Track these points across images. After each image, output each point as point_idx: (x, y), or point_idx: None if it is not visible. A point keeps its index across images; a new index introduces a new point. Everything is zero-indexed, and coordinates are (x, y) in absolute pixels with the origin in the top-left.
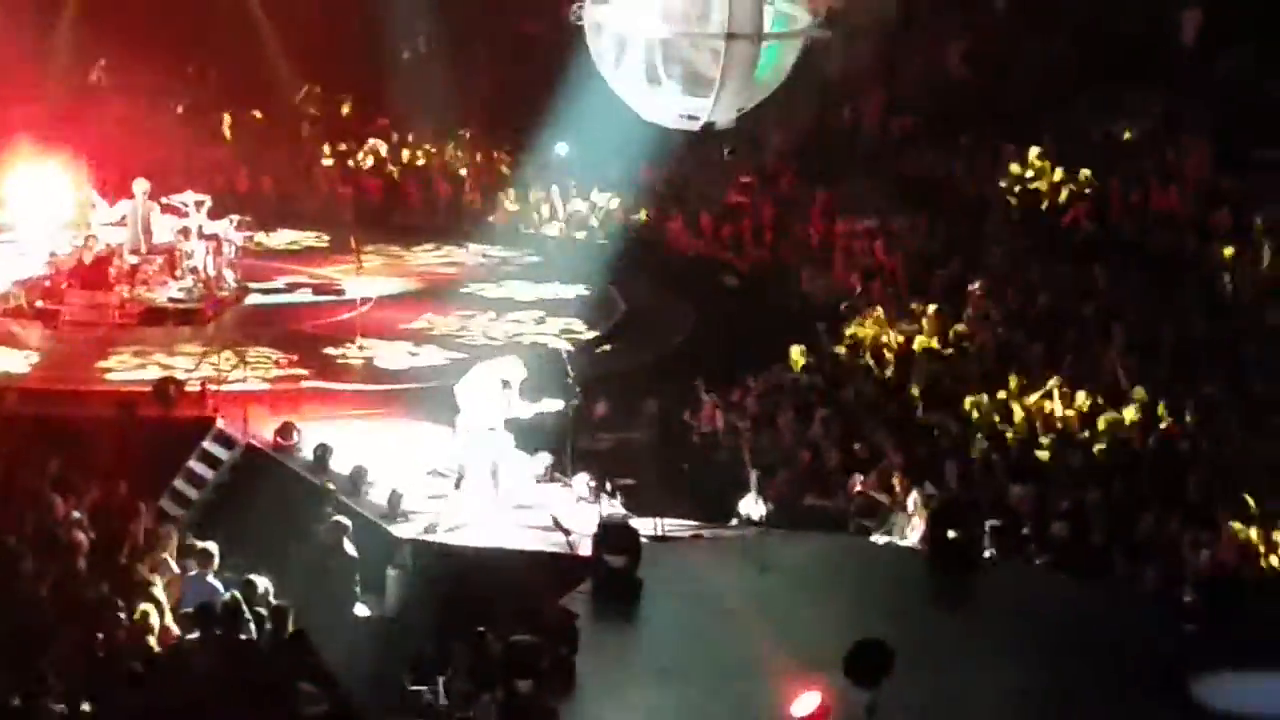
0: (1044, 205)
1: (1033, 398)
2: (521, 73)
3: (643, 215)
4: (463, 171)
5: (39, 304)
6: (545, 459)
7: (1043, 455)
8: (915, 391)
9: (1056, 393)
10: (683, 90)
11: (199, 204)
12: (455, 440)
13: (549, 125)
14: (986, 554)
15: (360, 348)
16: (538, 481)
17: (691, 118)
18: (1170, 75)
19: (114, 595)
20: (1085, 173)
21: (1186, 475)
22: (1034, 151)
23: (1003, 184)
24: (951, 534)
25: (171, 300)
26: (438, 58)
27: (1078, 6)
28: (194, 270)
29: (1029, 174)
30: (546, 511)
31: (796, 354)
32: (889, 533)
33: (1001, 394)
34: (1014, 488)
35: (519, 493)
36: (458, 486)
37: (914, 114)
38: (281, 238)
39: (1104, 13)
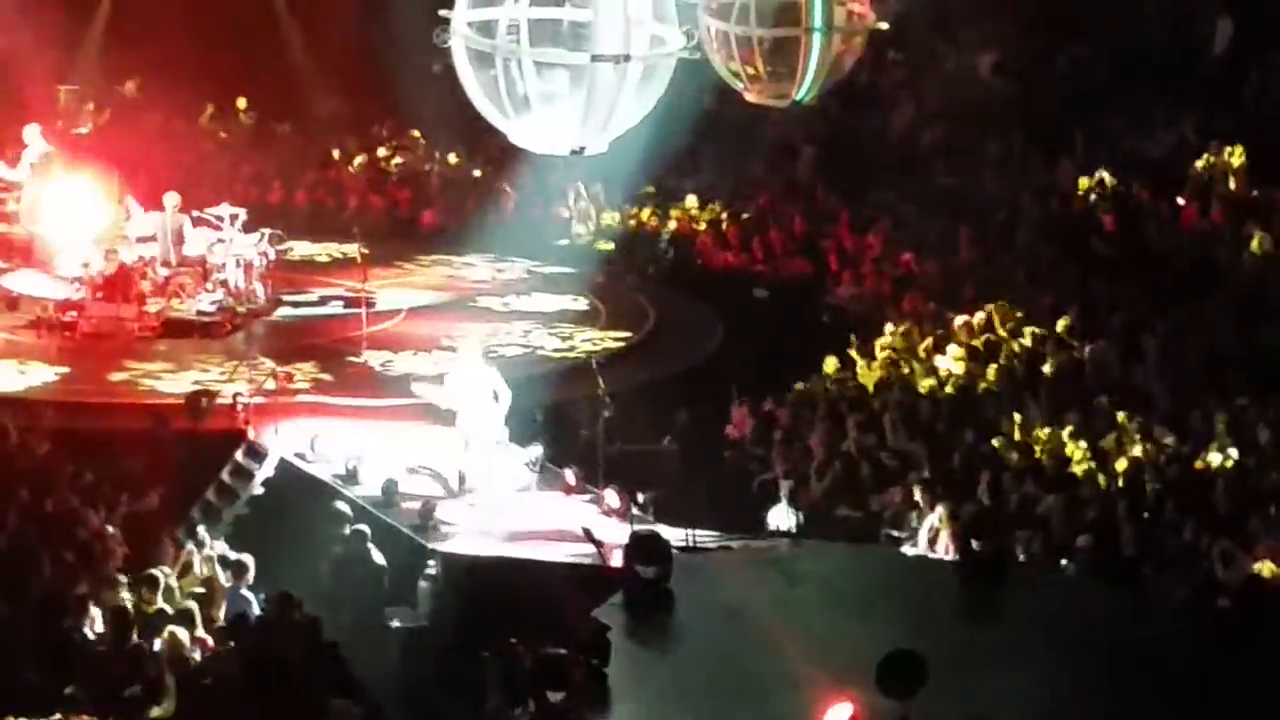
0: (1074, 216)
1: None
2: None
3: (672, 226)
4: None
5: (60, 316)
6: (536, 451)
7: (1076, 469)
8: (946, 402)
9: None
10: (548, 115)
11: (234, 217)
12: (460, 447)
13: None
14: (1018, 564)
15: (364, 360)
16: (538, 480)
17: (558, 142)
18: (1201, 86)
19: (145, 605)
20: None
21: (1215, 487)
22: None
23: (1033, 194)
24: (981, 545)
25: (200, 313)
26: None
27: (1108, 17)
28: (224, 283)
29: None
30: (575, 523)
31: (829, 365)
32: (916, 544)
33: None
34: (1044, 498)
35: (517, 498)
36: (459, 489)
37: (944, 124)
38: (314, 249)
39: (1135, 23)
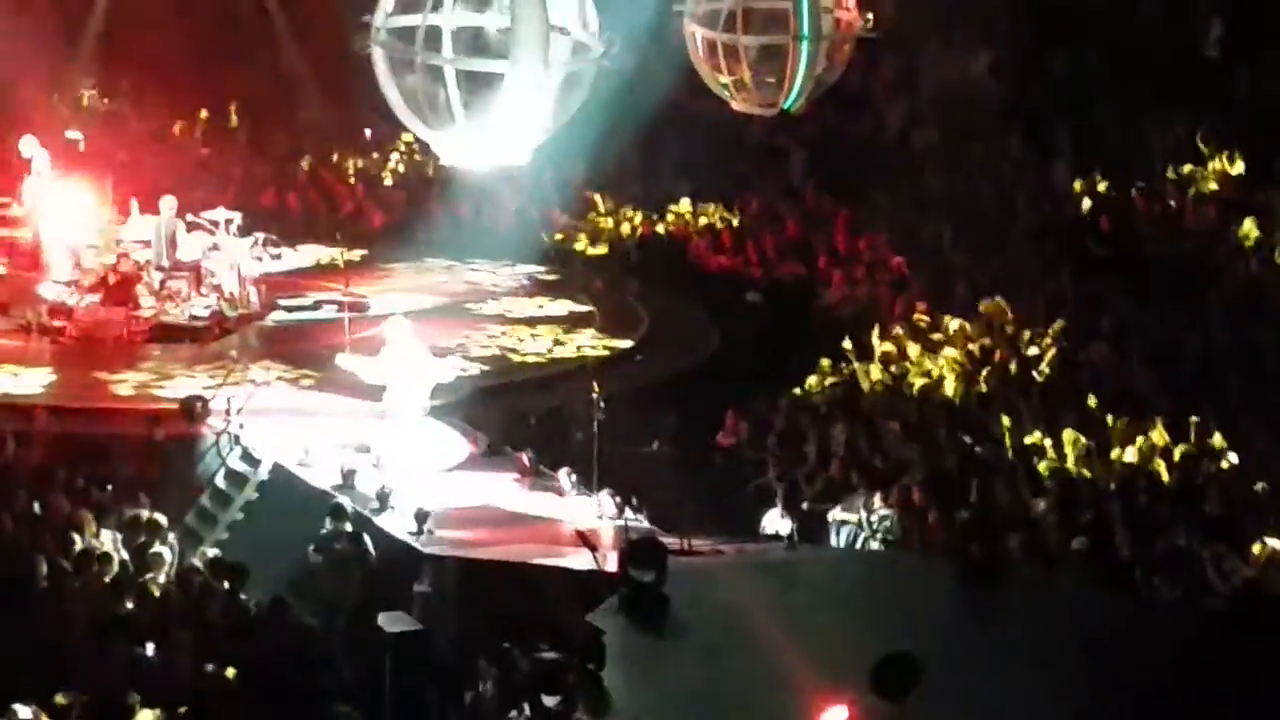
0: (1068, 217)
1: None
2: None
3: (666, 229)
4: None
5: (50, 320)
6: (482, 439)
7: (1071, 472)
8: (940, 405)
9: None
10: (469, 123)
11: (228, 221)
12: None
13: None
14: (1012, 567)
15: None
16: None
17: (476, 151)
18: (1194, 86)
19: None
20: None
21: (1209, 489)
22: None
23: (1027, 196)
24: (976, 548)
25: (193, 317)
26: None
27: (1101, 18)
28: (217, 288)
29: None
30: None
31: (822, 368)
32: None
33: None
34: (1037, 501)
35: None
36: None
37: (937, 126)
38: (308, 254)
39: (1128, 24)
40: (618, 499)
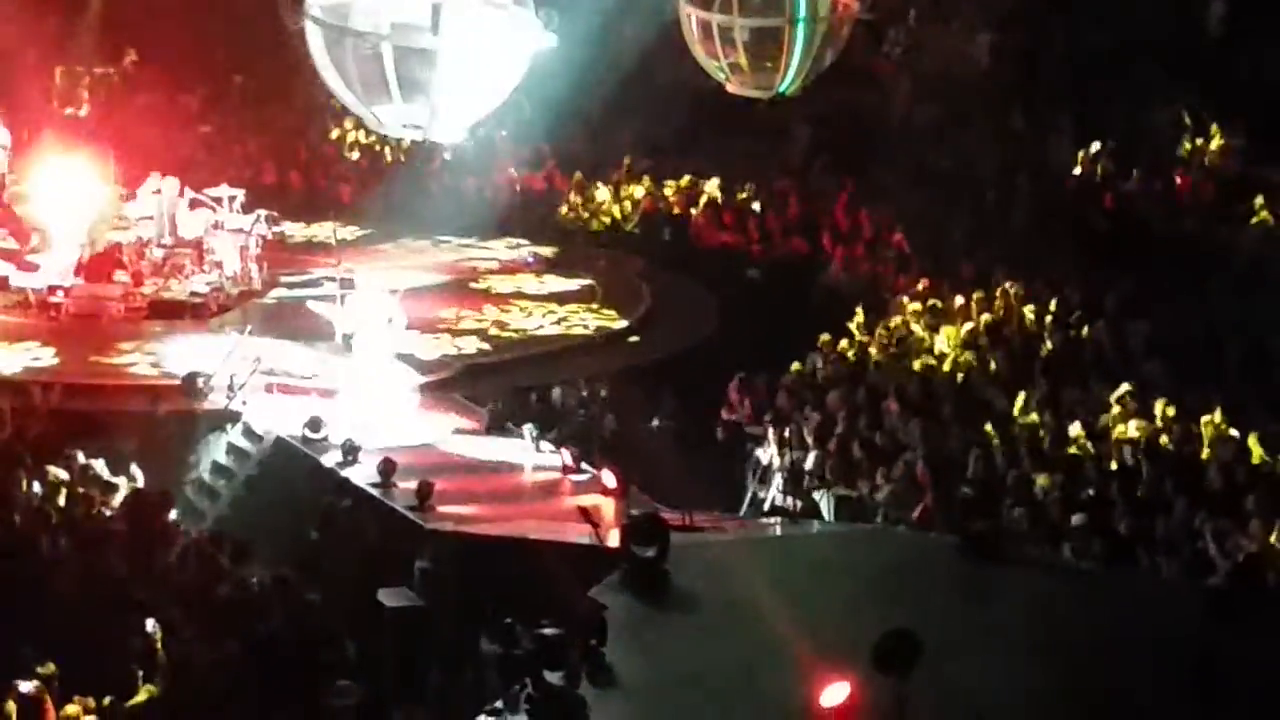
0: (1071, 195)
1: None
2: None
3: (667, 205)
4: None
5: (47, 297)
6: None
7: (1072, 448)
8: (941, 382)
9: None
10: (404, 99)
11: (231, 199)
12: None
13: (572, 117)
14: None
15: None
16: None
17: (415, 126)
18: (1197, 65)
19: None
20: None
21: (1210, 466)
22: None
23: (1030, 173)
24: (977, 524)
25: (193, 294)
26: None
27: None
28: (218, 264)
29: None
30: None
31: (823, 345)
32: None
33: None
34: (1038, 478)
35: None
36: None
37: (940, 103)
38: (309, 231)
39: (1131, 2)
40: (620, 475)
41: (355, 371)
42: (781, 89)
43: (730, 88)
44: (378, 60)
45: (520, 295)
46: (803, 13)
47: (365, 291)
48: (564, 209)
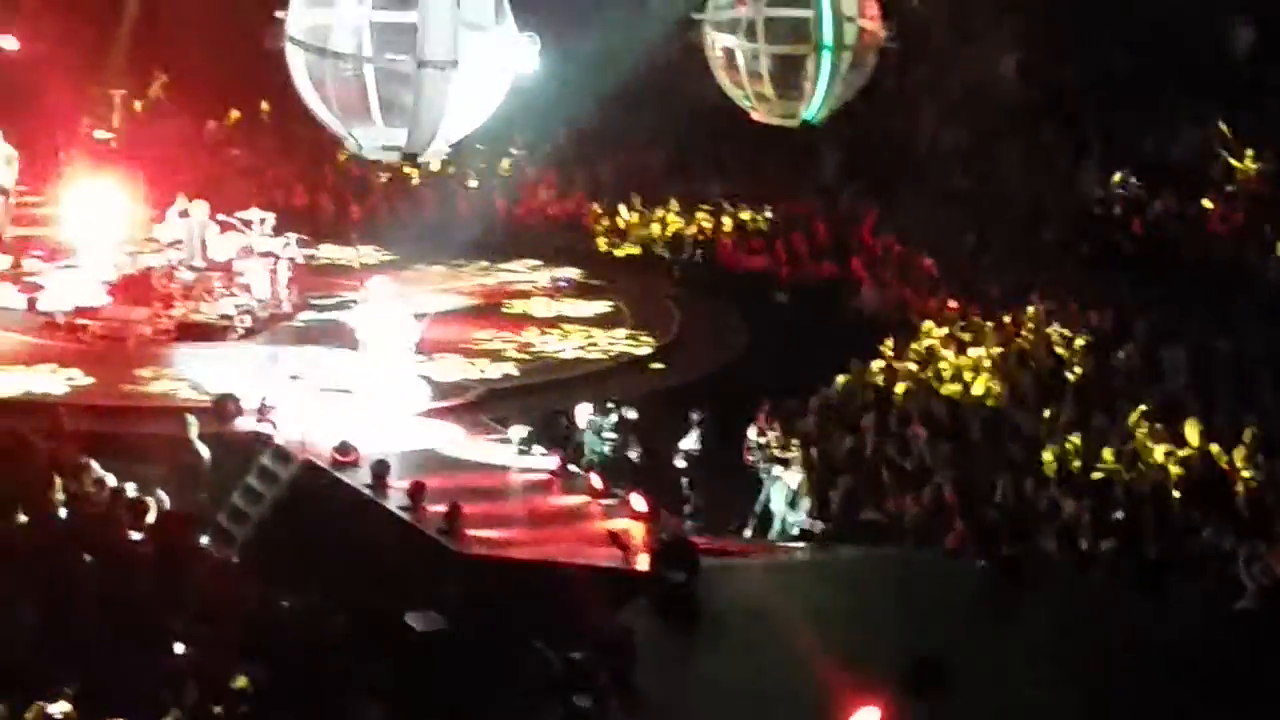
0: (1099, 218)
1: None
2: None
3: (697, 230)
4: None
5: (75, 319)
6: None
7: (1102, 472)
8: (970, 406)
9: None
10: (384, 120)
11: (261, 221)
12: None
13: (600, 140)
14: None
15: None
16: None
17: (394, 148)
18: (1225, 88)
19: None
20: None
21: (1240, 490)
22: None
23: (1057, 197)
24: (1006, 549)
25: (222, 317)
26: None
27: (1131, 19)
28: (247, 287)
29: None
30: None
31: (853, 368)
32: None
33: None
34: (1067, 502)
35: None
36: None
37: (968, 126)
38: (339, 253)
39: (1158, 25)
40: (648, 498)
41: (370, 377)
42: (807, 116)
43: (756, 115)
44: (358, 81)
45: (549, 318)
46: (828, 40)
47: (380, 302)
48: (593, 232)
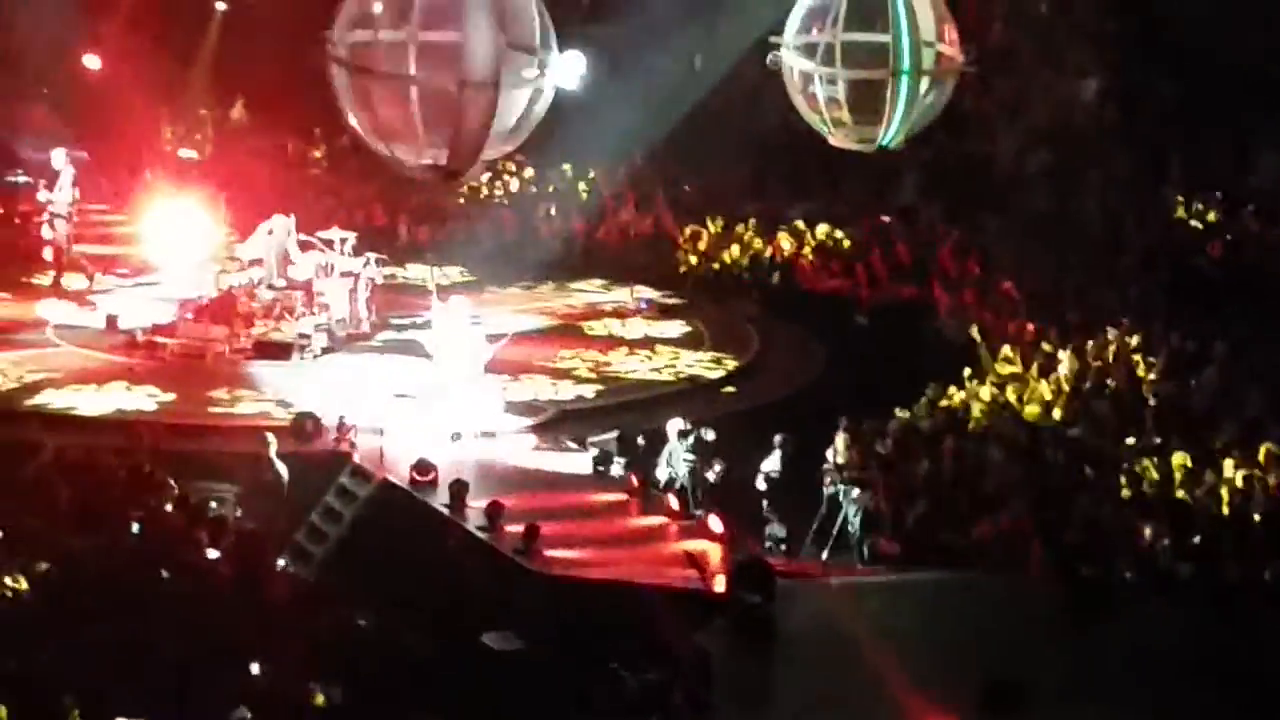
0: (1179, 242)
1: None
2: (653, 110)
3: (777, 251)
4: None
5: (153, 337)
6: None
7: (1181, 496)
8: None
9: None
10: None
11: (343, 241)
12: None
13: (681, 161)
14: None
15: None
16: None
17: (434, 166)
18: None
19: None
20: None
21: None
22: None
23: (1137, 220)
24: (1085, 572)
25: (300, 335)
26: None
27: (1212, 43)
28: (327, 306)
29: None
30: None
31: (931, 391)
32: None
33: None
34: (1148, 525)
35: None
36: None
37: (1048, 149)
38: (419, 273)
39: (1239, 51)
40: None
41: (442, 394)
42: (884, 142)
43: (833, 140)
44: (402, 100)
45: (628, 339)
46: (906, 65)
47: (453, 320)
48: (672, 253)
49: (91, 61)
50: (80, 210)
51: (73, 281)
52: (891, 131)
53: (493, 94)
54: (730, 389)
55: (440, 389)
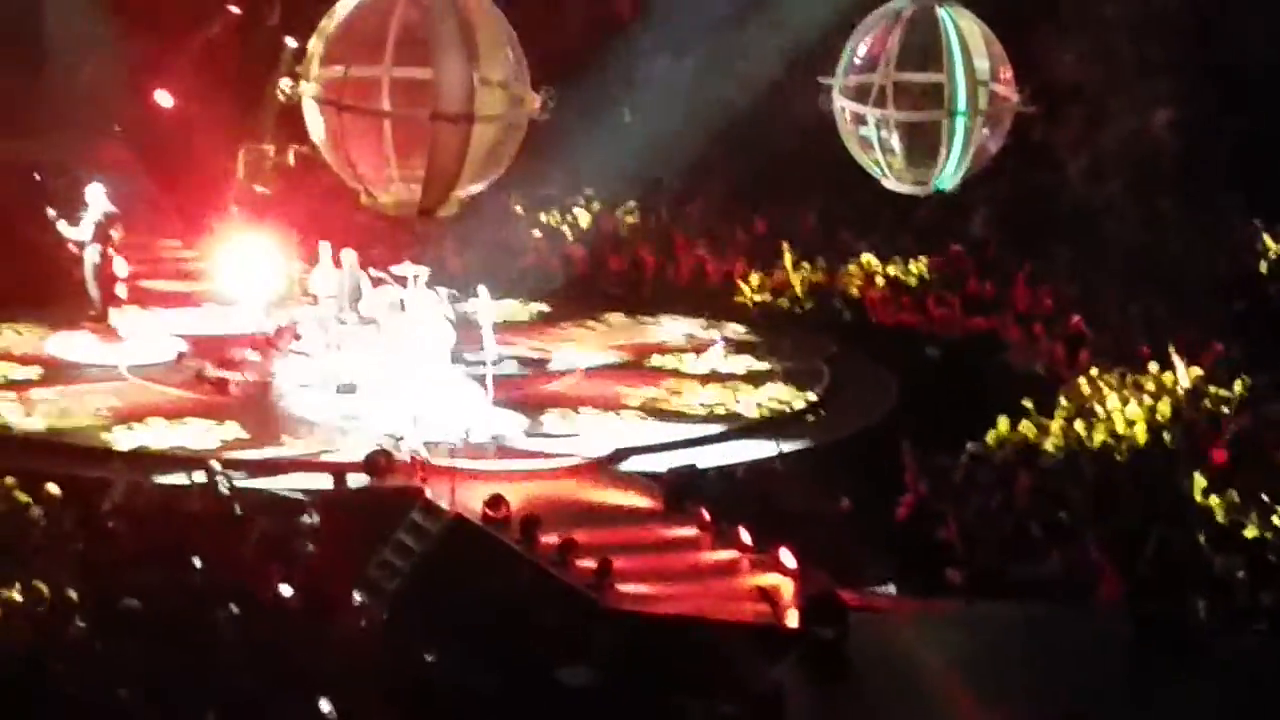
0: (1252, 274)
1: None
2: (714, 144)
3: (849, 284)
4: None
5: (220, 371)
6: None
7: (1254, 530)
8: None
9: None
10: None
11: (415, 276)
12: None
13: (751, 195)
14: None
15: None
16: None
17: (410, 203)
18: None
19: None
20: None
21: None
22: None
23: (1210, 252)
24: (1158, 606)
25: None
26: (638, 129)
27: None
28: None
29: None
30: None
31: (1003, 424)
32: None
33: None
34: (1219, 559)
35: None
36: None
37: (1119, 181)
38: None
39: None
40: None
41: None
42: (939, 184)
43: (886, 183)
44: (377, 135)
45: (700, 374)
46: (962, 105)
47: (420, 301)
48: (743, 288)
49: (164, 98)
50: (150, 245)
51: (122, 316)
52: (947, 173)
53: (466, 129)
54: (809, 420)
55: (395, 379)
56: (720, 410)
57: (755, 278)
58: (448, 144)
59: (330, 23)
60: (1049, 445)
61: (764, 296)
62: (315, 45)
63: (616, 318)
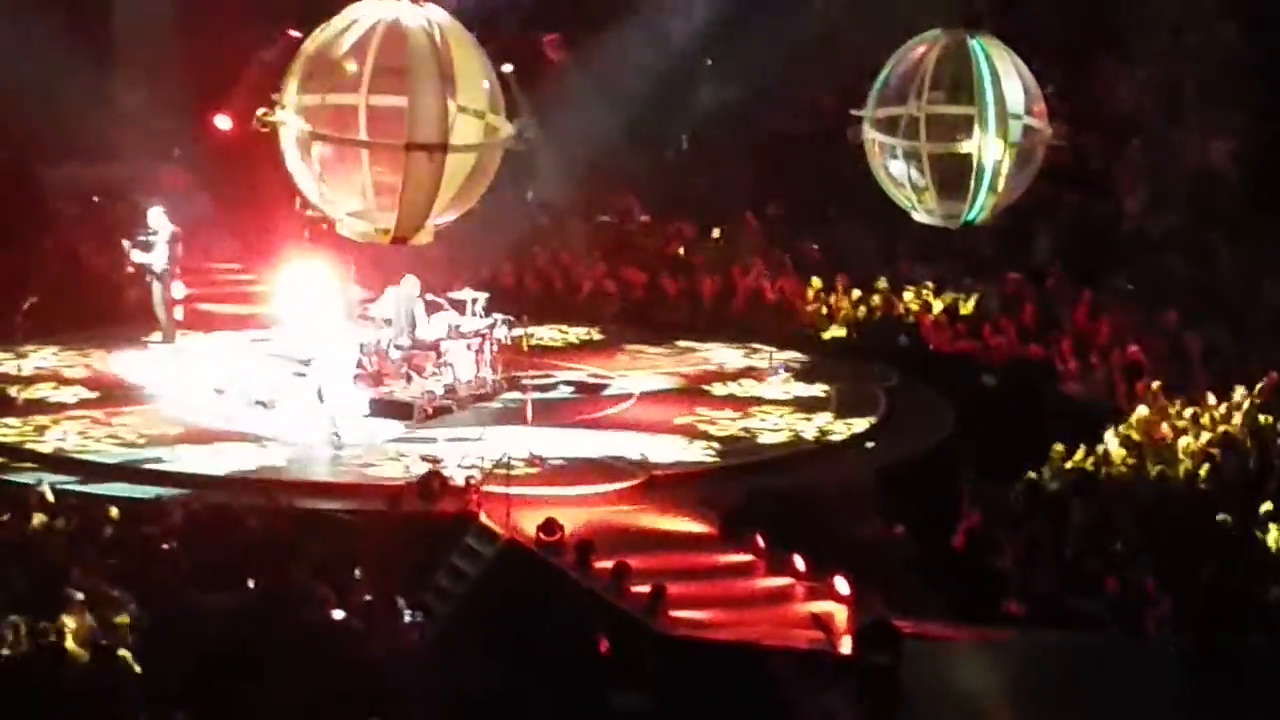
0: None
1: None
2: (778, 170)
3: (905, 312)
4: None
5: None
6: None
7: None
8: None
9: None
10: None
11: (474, 301)
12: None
13: (808, 221)
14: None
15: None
16: None
17: (384, 230)
18: None
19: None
20: None
21: None
22: None
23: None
24: (1217, 637)
25: (426, 393)
26: (697, 156)
27: None
28: (450, 366)
29: None
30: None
31: (1058, 452)
32: None
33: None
34: (1275, 589)
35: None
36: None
37: (1178, 211)
38: (546, 333)
39: None
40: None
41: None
42: (970, 218)
43: (916, 216)
44: (352, 163)
45: (759, 399)
46: (992, 137)
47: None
48: (800, 314)
49: (222, 122)
50: (206, 269)
51: (184, 340)
52: (977, 207)
53: (440, 159)
54: (866, 447)
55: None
56: (779, 436)
57: (814, 304)
58: (422, 173)
59: (311, 45)
60: (1106, 475)
61: (823, 324)
62: (293, 70)
63: (674, 342)
